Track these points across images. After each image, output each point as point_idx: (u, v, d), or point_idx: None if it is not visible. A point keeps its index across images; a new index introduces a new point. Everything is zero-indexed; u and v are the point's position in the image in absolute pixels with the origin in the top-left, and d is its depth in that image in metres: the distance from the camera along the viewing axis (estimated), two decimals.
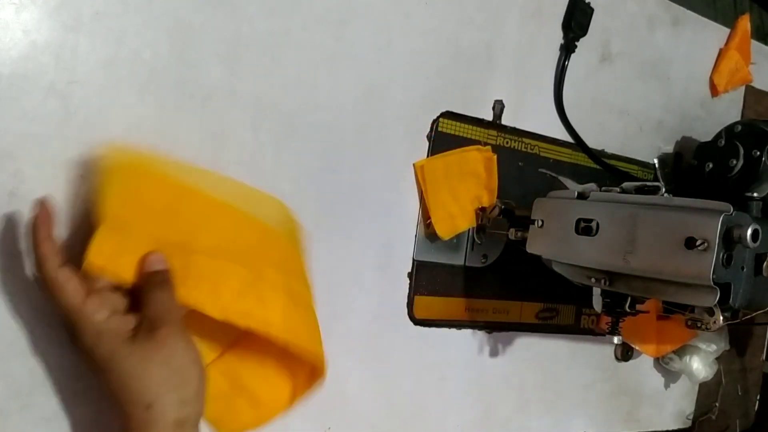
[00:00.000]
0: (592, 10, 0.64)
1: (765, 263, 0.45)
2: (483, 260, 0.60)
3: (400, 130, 0.55)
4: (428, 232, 0.57)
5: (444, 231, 0.56)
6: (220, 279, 0.40)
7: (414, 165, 0.55)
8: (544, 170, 0.64)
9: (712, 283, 0.42)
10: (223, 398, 0.44)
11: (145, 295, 0.38)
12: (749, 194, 0.59)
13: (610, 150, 0.69)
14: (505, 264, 0.61)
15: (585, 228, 0.49)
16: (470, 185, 0.57)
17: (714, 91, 0.77)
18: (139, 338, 0.37)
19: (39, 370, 0.42)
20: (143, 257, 0.39)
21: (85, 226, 0.40)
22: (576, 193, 0.52)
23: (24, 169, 0.40)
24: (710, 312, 0.48)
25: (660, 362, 0.76)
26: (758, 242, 0.42)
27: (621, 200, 0.49)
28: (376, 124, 0.53)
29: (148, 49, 0.43)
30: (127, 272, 0.38)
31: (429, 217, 0.56)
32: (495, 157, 0.58)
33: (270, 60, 0.48)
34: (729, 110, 0.80)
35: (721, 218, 0.42)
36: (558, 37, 0.64)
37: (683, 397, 0.80)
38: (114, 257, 0.38)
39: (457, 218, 0.57)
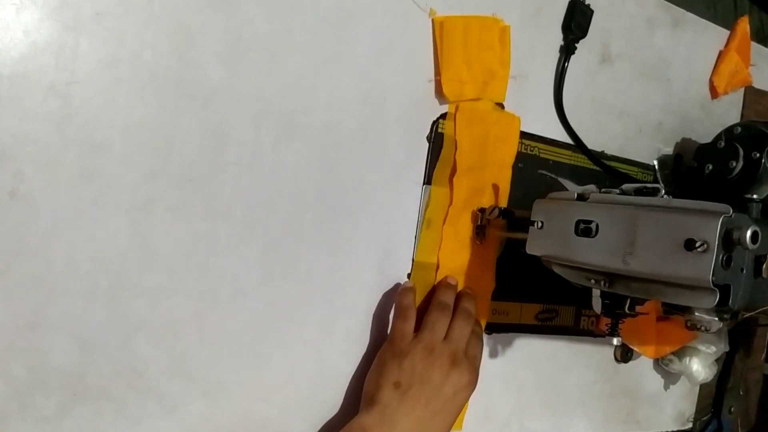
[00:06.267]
0: (591, 11, 0.65)
1: (764, 265, 0.45)
2: None
3: (400, 131, 0.55)
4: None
5: (450, 92, 0.55)
6: None
7: (432, 19, 0.55)
8: (543, 172, 0.64)
9: (711, 284, 0.42)
10: None
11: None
12: (749, 196, 0.59)
13: (609, 151, 0.69)
14: (505, 265, 0.61)
15: (584, 229, 0.49)
16: (485, 57, 0.56)
17: (714, 92, 0.77)
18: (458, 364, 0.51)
19: (39, 370, 0.42)
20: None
21: None
22: (575, 195, 0.52)
23: (24, 169, 0.40)
24: (710, 313, 0.48)
25: (660, 363, 0.76)
26: (758, 244, 0.42)
27: (620, 202, 0.49)
28: (376, 124, 0.53)
29: (148, 49, 0.43)
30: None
31: (438, 75, 0.55)
32: (509, 28, 0.58)
33: (270, 61, 0.48)
34: (729, 112, 0.80)
35: (720, 220, 0.42)
36: (558, 39, 0.64)
37: (683, 398, 0.80)
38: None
39: (466, 84, 0.56)
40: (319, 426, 0.53)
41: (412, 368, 0.49)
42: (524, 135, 0.62)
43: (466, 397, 0.51)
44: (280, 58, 0.48)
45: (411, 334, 0.52)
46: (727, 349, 0.76)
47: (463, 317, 0.54)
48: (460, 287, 0.58)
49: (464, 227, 0.58)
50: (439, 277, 0.57)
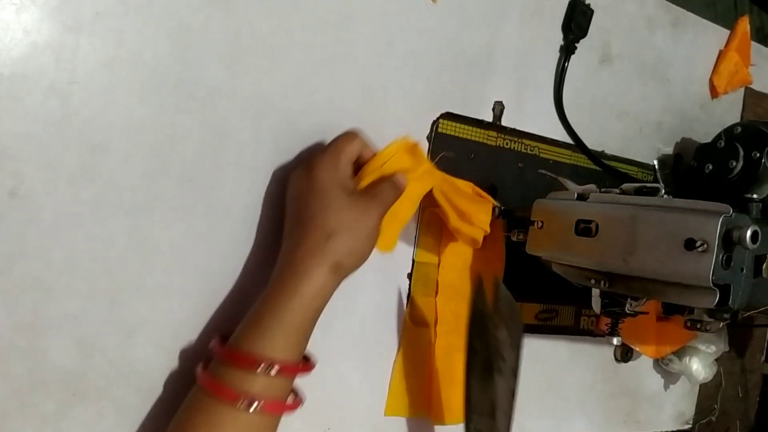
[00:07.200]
0: (591, 11, 0.65)
1: (764, 264, 0.46)
2: None
3: (400, 131, 0.54)
4: None
5: None
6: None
7: None
8: (543, 171, 0.64)
9: (711, 284, 0.42)
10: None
11: (380, 181, 0.48)
12: (749, 196, 0.59)
13: (609, 151, 0.69)
14: (505, 265, 0.61)
15: (584, 229, 0.49)
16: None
17: (714, 92, 0.77)
18: (356, 195, 0.46)
19: (39, 370, 0.42)
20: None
21: None
22: (576, 195, 0.52)
23: (24, 169, 0.40)
24: (710, 313, 0.48)
25: (660, 363, 0.76)
26: (758, 243, 0.42)
27: (620, 201, 0.49)
28: (376, 124, 0.53)
29: (148, 49, 0.43)
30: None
31: None
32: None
33: (270, 61, 0.48)
34: (729, 112, 0.80)
35: (720, 219, 0.42)
36: (558, 39, 0.64)
37: (683, 398, 0.81)
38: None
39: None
40: (319, 426, 0.53)
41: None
42: (524, 135, 0.62)
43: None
44: (280, 58, 0.48)
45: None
46: (727, 348, 0.76)
47: None
48: (466, 272, 0.57)
49: None
50: (441, 276, 0.57)
